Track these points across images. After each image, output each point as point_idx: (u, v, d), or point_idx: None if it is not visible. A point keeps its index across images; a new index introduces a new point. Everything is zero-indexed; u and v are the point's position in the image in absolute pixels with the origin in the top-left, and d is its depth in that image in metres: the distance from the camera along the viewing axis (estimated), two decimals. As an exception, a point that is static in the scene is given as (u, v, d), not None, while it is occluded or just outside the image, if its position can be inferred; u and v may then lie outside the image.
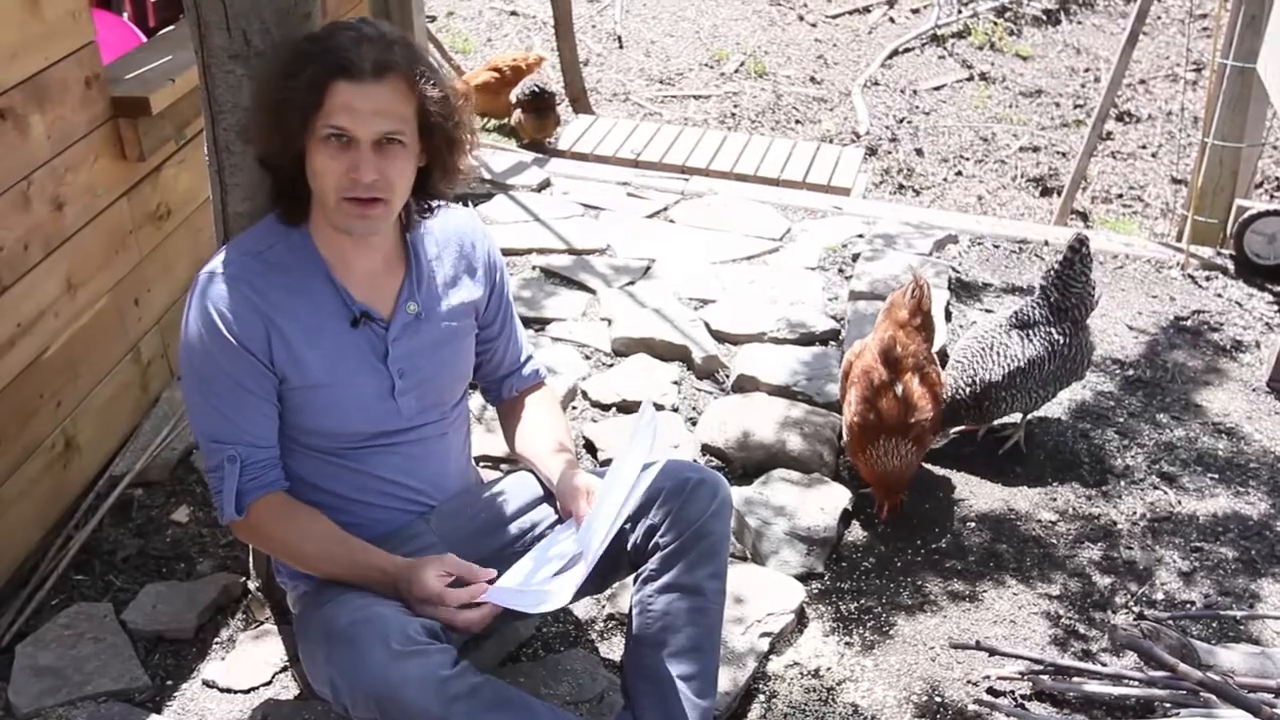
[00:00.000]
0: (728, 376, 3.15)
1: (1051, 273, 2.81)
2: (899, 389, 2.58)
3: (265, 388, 1.77)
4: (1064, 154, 5.96)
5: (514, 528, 1.97)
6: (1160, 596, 2.47)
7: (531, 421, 2.11)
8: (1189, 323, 3.51)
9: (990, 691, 2.20)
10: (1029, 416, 2.90)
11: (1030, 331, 2.80)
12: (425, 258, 1.90)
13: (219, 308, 1.73)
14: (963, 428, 2.95)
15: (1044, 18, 7.49)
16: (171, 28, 3.22)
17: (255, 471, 1.79)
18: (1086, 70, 6.91)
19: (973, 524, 2.66)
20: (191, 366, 1.77)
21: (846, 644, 2.31)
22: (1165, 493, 2.78)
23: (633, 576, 1.89)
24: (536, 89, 5.11)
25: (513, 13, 7.42)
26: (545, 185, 4.35)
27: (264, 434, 1.80)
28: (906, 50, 7.10)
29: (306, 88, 1.65)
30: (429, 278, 1.89)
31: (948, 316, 3.41)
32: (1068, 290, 2.78)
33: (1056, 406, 3.07)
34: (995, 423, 2.93)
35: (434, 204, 1.87)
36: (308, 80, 1.65)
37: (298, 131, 1.68)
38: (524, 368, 2.15)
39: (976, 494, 2.76)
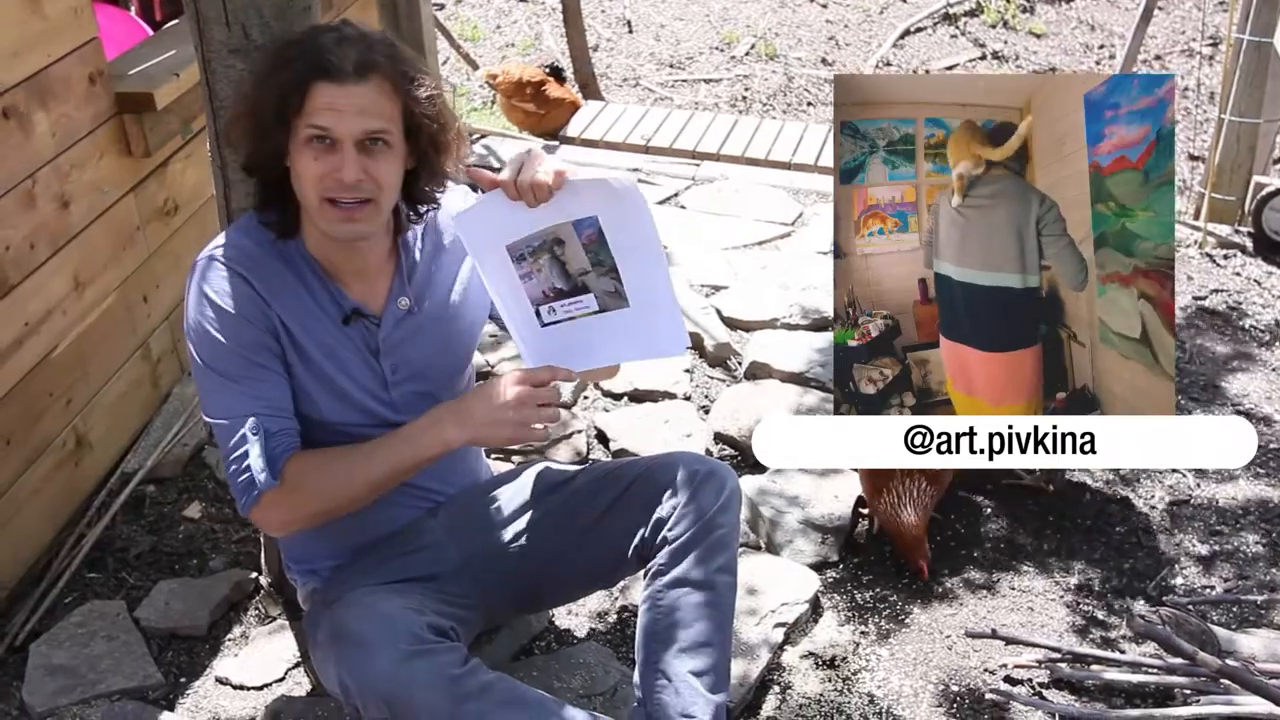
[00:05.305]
0: (740, 364, 3.13)
1: None
2: None
3: (275, 362, 1.72)
4: (1079, 132, 5.90)
5: (525, 520, 1.95)
6: (1180, 582, 2.45)
7: None
8: (1207, 302, 3.47)
9: (1008, 680, 2.18)
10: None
11: None
12: (415, 249, 1.85)
13: (220, 288, 1.70)
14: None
15: (1058, -6, 7.41)
16: (176, 22, 3.21)
17: (278, 439, 1.70)
18: (1101, 47, 6.83)
19: (988, 510, 2.63)
20: (198, 350, 1.71)
21: (862, 633, 2.29)
22: (1184, 476, 2.75)
23: (642, 571, 1.88)
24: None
25: (521, -2, 7.38)
26: (555, 173, 4.31)
27: (281, 403, 1.72)
28: (919, 30, 7.03)
29: (287, 89, 1.61)
30: (420, 268, 1.85)
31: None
32: None
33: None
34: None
35: (424, 209, 1.82)
36: (288, 82, 1.61)
37: (279, 134, 1.64)
38: None
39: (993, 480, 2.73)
